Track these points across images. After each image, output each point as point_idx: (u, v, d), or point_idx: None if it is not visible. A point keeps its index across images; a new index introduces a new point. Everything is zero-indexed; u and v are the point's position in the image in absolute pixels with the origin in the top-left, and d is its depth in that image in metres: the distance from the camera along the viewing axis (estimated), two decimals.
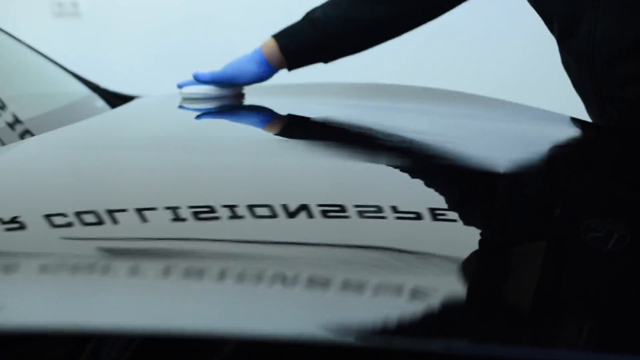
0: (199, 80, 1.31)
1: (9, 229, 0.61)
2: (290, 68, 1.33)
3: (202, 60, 3.28)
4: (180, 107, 1.27)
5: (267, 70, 1.32)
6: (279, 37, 1.32)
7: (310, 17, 1.30)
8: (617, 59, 1.14)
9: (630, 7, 1.11)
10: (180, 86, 1.34)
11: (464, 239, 0.65)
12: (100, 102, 1.33)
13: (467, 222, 0.70)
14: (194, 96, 1.31)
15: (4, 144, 1.00)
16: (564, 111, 1.33)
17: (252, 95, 1.36)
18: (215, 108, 1.28)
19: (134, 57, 3.29)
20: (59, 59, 3.35)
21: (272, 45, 1.31)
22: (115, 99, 1.39)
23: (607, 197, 0.82)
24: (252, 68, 1.32)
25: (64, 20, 3.32)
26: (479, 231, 0.68)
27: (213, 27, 3.23)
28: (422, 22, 1.36)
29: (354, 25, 1.30)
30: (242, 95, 1.36)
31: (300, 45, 1.31)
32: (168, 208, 0.66)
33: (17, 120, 1.07)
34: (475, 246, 0.64)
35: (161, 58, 3.27)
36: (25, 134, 1.06)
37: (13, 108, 1.15)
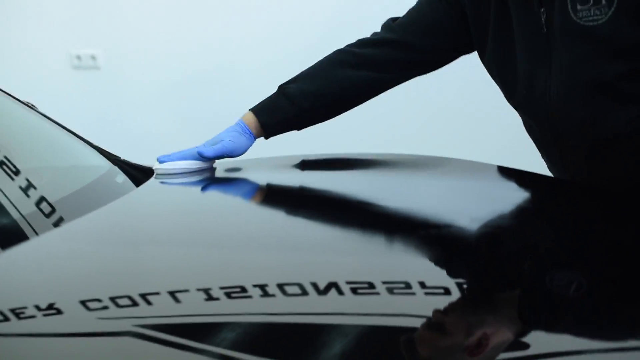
0: (204, 156, 1.40)
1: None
2: (267, 137, 1.48)
3: (217, 112, 3.36)
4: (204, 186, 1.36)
5: (252, 141, 1.47)
6: (258, 113, 1.46)
7: (286, 93, 1.44)
8: (571, 105, 1.22)
9: (577, 55, 1.19)
10: (161, 161, 1.42)
11: None
12: (121, 177, 1.40)
13: None
14: (171, 172, 1.39)
15: (33, 229, 1.07)
16: None
17: (224, 168, 1.48)
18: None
19: (152, 109, 3.38)
20: (78, 111, 3.42)
21: (253, 119, 1.45)
22: (135, 171, 1.46)
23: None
24: (244, 141, 1.44)
25: (83, 73, 3.43)
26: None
27: (231, 80, 3.32)
28: (390, 87, 1.50)
29: (326, 100, 1.46)
30: (213, 169, 1.46)
31: (278, 120, 1.46)
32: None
33: (46, 203, 1.15)
34: None
35: (178, 111, 3.36)
36: (57, 220, 1.13)
37: (40, 187, 1.22)
